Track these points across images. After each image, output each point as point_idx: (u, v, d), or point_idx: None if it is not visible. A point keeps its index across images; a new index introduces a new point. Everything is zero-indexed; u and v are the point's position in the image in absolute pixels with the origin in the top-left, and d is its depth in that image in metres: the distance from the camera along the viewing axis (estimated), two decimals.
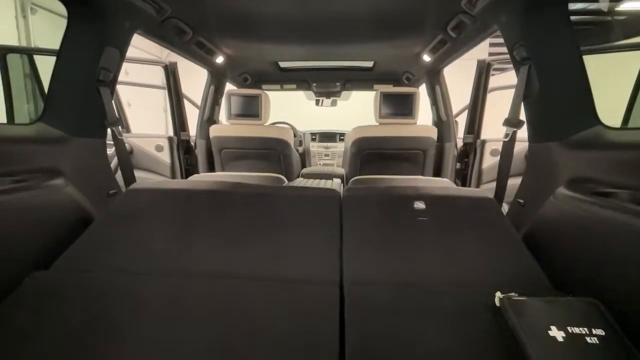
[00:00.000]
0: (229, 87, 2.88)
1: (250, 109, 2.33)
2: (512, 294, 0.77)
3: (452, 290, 0.84)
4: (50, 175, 1.13)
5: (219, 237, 1.02)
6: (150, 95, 6.99)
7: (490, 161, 2.45)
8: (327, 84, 3.25)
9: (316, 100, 3.67)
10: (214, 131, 2.40)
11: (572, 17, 1.17)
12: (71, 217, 1.14)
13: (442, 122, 2.58)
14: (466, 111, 2.57)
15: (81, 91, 1.31)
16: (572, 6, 1.15)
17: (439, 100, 2.57)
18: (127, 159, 1.58)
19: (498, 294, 0.77)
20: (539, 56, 1.20)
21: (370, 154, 2.34)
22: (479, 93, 2.34)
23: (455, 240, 1.02)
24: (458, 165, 2.62)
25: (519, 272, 0.92)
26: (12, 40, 4.05)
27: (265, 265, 0.93)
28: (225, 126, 2.39)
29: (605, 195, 0.90)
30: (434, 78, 2.54)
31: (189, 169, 2.71)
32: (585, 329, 0.66)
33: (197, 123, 2.71)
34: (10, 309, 0.77)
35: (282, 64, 2.84)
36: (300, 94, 3.74)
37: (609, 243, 0.80)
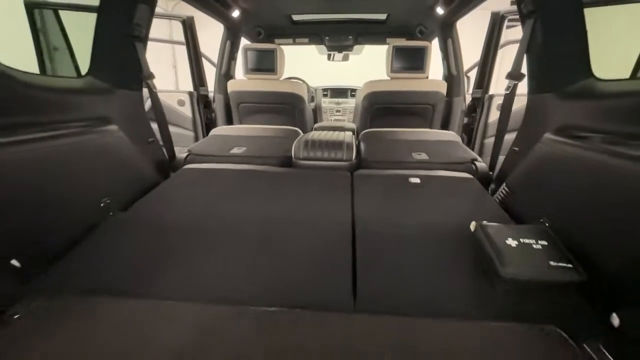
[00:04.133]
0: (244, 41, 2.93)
1: (266, 64, 2.43)
2: (484, 222, 0.97)
3: (439, 226, 1.07)
4: (105, 122, 1.33)
5: (258, 196, 1.32)
6: (158, 52, 6.95)
7: (496, 115, 2.53)
8: (339, 37, 3.24)
9: (328, 54, 3.67)
10: (231, 86, 2.53)
11: None
12: (125, 156, 1.37)
13: (453, 77, 2.63)
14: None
15: (120, 47, 1.46)
16: None
17: (450, 54, 2.59)
18: (161, 110, 1.77)
19: (473, 223, 0.98)
20: (544, 10, 1.27)
21: (381, 108, 2.45)
22: (490, 47, 2.35)
23: (441, 199, 1.28)
24: (466, 120, 2.71)
25: (492, 219, 1.14)
26: None
27: (293, 213, 1.19)
28: (243, 81, 2.51)
29: (582, 139, 1.06)
30: (447, 31, 2.54)
31: (209, 123, 2.89)
32: (533, 240, 0.86)
33: (214, 78, 2.83)
34: (103, 235, 1.03)
35: (295, 17, 2.85)
36: (312, 50, 3.74)
37: (580, 177, 0.98)
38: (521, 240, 0.86)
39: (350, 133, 2.02)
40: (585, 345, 0.65)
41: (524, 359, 0.61)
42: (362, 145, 1.90)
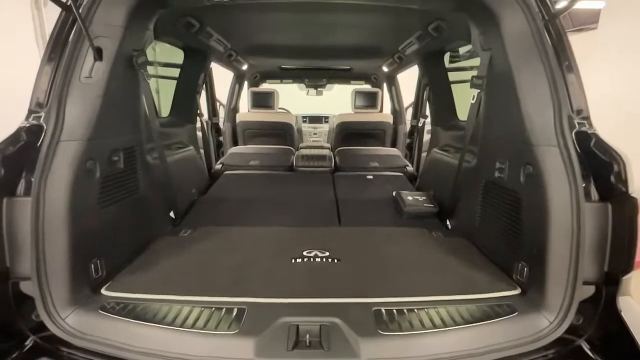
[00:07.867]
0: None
1: (267, 102, 3.38)
2: (399, 190, 1.98)
3: (381, 197, 2.06)
4: (184, 145, 2.20)
5: (277, 187, 2.25)
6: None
7: (427, 137, 3.67)
8: (315, 79, 4.31)
9: (307, 90, 4.72)
10: (239, 117, 3.45)
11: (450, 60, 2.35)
12: (198, 165, 2.24)
13: (397, 111, 3.76)
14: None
15: (189, 98, 2.36)
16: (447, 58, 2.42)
17: (394, 96, 3.74)
18: (207, 136, 2.65)
19: (394, 192, 1.98)
20: (432, 83, 2.38)
21: (349, 133, 3.49)
22: (419, 92, 3.50)
23: (383, 185, 2.28)
24: (408, 140, 3.83)
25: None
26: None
27: (300, 194, 2.12)
28: (249, 113, 3.44)
29: (445, 151, 2.12)
30: (391, 81, 3.69)
31: (218, 145, 3.75)
32: (419, 197, 1.88)
33: (224, 111, 3.74)
34: (200, 205, 1.91)
35: (284, 66, 3.87)
36: (294, 87, 4.78)
37: (441, 170, 2.02)
38: (414, 197, 1.88)
39: (328, 150, 3.01)
40: (433, 234, 1.63)
41: (411, 240, 1.56)
42: (337, 158, 2.90)
